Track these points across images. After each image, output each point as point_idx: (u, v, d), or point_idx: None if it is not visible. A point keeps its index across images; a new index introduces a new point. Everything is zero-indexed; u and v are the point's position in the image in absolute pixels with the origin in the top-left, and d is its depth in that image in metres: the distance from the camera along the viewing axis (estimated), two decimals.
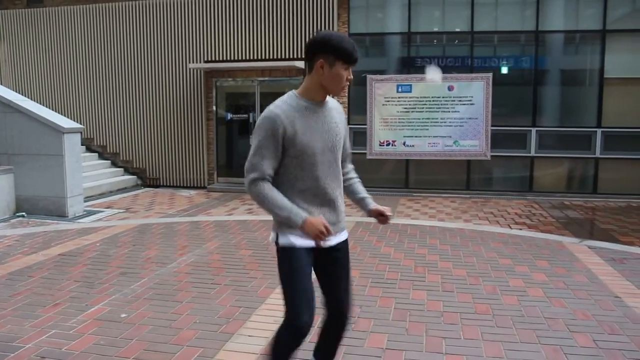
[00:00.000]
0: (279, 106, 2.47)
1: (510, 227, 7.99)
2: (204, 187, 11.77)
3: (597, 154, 10.65)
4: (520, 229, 7.88)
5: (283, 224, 2.53)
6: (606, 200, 10.51)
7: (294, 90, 2.58)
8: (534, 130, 10.72)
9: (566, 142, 10.86)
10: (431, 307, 4.46)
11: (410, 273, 5.46)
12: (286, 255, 2.58)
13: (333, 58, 2.42)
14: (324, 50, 2.43)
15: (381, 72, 11.08)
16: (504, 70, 10.97)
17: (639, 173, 10.82)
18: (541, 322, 4.16)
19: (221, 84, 11.86)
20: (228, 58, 11.41)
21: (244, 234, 7.21)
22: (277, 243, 2.60)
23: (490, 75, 10.58)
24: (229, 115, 11.88)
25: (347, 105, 11.20)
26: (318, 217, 2.50)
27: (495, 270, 5.55)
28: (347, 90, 11.09)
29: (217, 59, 11.47)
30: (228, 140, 12.14)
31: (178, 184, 11.98)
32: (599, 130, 10.58)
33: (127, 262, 5.84)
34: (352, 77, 2.54)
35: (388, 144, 10.96)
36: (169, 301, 4.56)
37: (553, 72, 11.12)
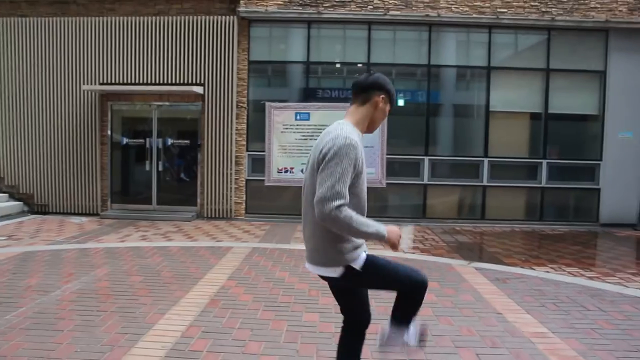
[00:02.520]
0: (353, 134, 2.62)
1: (404, 252, 8.26)
2: (97, 214, 11.27)
3: (485, 182, 11.30)
4: (414, 253, 8.17)
5: (348, 251, 2.67)
6: (493, 226, 11.13)
7: (347, 121, 2.76)
8: (426, 159, 11.23)
9: (457, 171, 11.46)
10: (323, 329, 4.51)
11: (304, 296, 5.50)
12: (372, 264, 2.74)
13: (388, 98, 2.84)
14: (382, 89, 2.81)
15: (280, 100, 11.21)
16: (400, 101, 11.43)
17: (521, 200, 11.61)
18: (429, 340, 4.31)
19: (117, 108, 11.51)
20: (125, 81, 11.10)
21: (135, 261, 6.98)
22: (357, 270, 2.71)
23: None
24: (125, 140, 11.53)
25: (245, 132, 11.21)
26: (393, 226, 2.71)
27: (389, 292, 5.69)
28: (245, 117, 11.15)
29: (113, 81, 11.13)
30: (123, 166, 11.75)
31: (69, 211, 11.39)
32: (485, 160, 11.25)
33: (4, 291, 5.47)
34: None
35: (286, 171, 11.05)
36: (49, 330, 4.32)
37: (445, 105, 11.76)
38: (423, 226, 10.91)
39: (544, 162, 11.37)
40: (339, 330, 4.41)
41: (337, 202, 2.47)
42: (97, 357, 3.82)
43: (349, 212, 2.51)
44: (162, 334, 4.28)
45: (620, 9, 11.04)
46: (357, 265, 2.70)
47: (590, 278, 6.86)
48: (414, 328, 2.94)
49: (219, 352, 3.95)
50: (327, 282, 2.92)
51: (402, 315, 2.93)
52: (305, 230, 2.82)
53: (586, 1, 11.01)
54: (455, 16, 10.95)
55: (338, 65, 11.75)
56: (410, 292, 2.87)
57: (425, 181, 11.33)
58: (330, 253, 2.69)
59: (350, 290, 2.98)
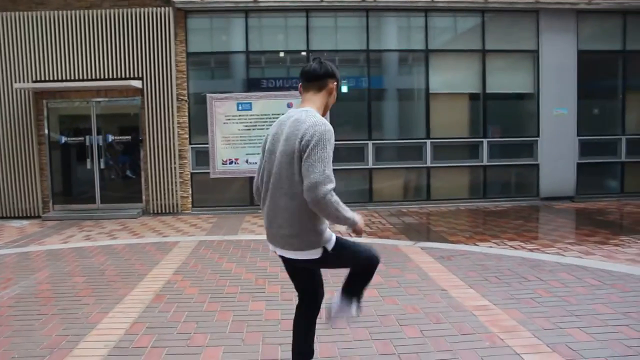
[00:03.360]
0: (326, 120, 2.80)
1: (350, 235, 8.32)
2: (38, 217, 10.91)
3: (428, 163, 11.50)
4: (360, 237, 8.23)
5: (324, 233, 2.81)
6: (439, 206, 11.35)
7: (310, 107, 2.88)
8: (370, 143, 11.34)
9: (400, 154, 11.62)
10: (269, 317, 4.53)
11: (250, 286, 5.50)
12: (340, 245, 2.88)
13: (337, 84, 3.01)
14: (334, 76, 2.98)
15: (222, 92, 11.09)
16: (342, 88, 11.49)
17: (464, 179, 11.88)
18: (374, 320, 4.40)
19: (54, 106, 11.12)
20: (59, 78, 10.72)
21: (79, 261, 6.81)
22: (330, 249, 2.84)
23: None
24: (64, 139, 11.18)
25: (187, 125, 11.05)
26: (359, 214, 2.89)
27: (333, 277, 5.74)
28: (186, 110, 11.00)
29: (47, 78, 10.74)
30: (64, 166, 11.38)
31: (7, 215, 10.96)
32: (428, 141, 11.44)
33: None
34: None
35: (231, 162, 10.96)
36: None
37: (386, 89, 11.88)
38: (370, 210, 11.03)
39: (485, 141, 11.65)
40: (285, 317, 4.47)
41: (330, 186, 2.61)
42: None
43: (336, 196, 2.66)
44: (105, 333, 4.21)
45: None
46: (330, 246, 2.83)
47: (531, 250, 7.11)
48: (357, 302, 3.13)
49: (164, 347, 3.91)
50: (292, 266, 3.03)
51: (354, 290, 3.11)
52: (276, 219, 2.84)
53: None
54: (392, 0, 11.04)
55: (281, 55, 11.68)
56: (365, 268, 3.04)
57: (370, 165, 11.44)
58: (311, 236, 2.78)
59: (316, 271, 3.12)
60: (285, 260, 2.97)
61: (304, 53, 11.37)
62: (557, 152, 11.73)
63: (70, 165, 11.47)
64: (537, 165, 11.83)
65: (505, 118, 11.97)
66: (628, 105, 12.23)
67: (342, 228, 3.32)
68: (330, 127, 2.74)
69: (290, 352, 3.22)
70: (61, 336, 4.16)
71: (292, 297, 5.03)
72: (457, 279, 5.64)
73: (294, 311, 4.56)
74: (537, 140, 11.77)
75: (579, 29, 11.69)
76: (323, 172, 2.61)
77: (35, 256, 7.24)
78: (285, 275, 5.69)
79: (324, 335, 4.04)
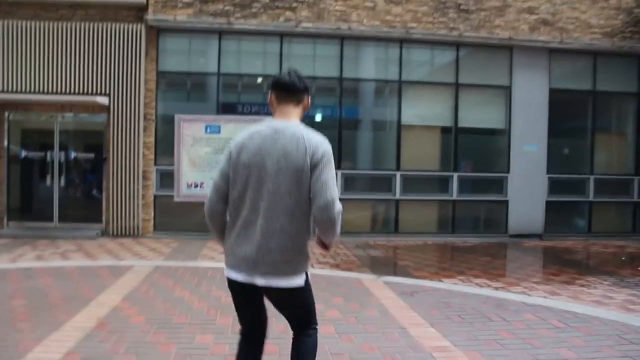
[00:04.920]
0: None
1: (313, 267, 8.08)
2: None
3: (397, 196, 11.35)
4: (322, 268, 8.00)
5: (308, 258, 2.75)
6: (406, 239, 11.17)
7: (298, 122, 2.77)
8: (339, 172, 11.15)
9: (370, 185, 11.47)
10: (216, 351, 4.24)
11: (201, 316, 5.21)
12: (309, 280, 2.76)
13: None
14: (308, 92, 2.87)
15: (191, 112, 10.84)
16: (313, 114, 11.36)
17: (433, 213, 11.76)
18: (327, 359, 4.14)
19: (15, 118, 10.75)
20: (23, 89, 10.36)
21: (23, 283, 6.42)
22: (307, 278, 2.74)
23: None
24: (24, 153, 10.78)
25: (153, 145, 10.76)
26: None
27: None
28: (153, 130, 10.73)
29: (10, 89, 10.36)
30: (22, 181, 10.96)
31: None
32: (398, 173, 11.31)
33: None
34: None
35: (196, 186, 10.65)
36: None
37: (358, 119, 11.80)
38: (336, 241, 10.77)
39: (455, 175, 11.57)
40: (233, 351, 4.17)
41: (340, 205, 2.58)
42: None
43: None
44: None
45: (522, 27, 11.46)
46: (308, 272, 2.76)
47: (496, 288, 6.94)
48: None
49: None
50: (250, 296, 2.77)
51: None
52: (267, 242, 2.60)
53: (491, 19, 11.34)
54: (367, 29, 10.99)
55: (254, 79, 11.52)
56: (312, 324, 2.90)
57: (339, 196, 11.22)
58: (302, 261, 2.68)
59: (298, 299, 2.83)
60: (245, 290, 2.71)
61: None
62: (527, 189, 11.70)
63: (29, 181, 11.06)
64: (507, 201, 11.77)
65: (476, 153, 11.93)
66: (597, 145, 12.33)
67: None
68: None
69: None
70: None
71: None
72: (419, 316, 5.42)
73: None
74: (507, 177, 11.74)
75: (551, 67, 11.80)
76: (334, 191, 2.57)
77: None
78: None
79: None
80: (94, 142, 10.87)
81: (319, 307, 5.31)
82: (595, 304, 6.23)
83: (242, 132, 2.78)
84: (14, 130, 10.80)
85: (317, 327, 2.93)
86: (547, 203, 11.91)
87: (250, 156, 2.64)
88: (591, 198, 12.20)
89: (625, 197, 12.43)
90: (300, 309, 2.85)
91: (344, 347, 4.41)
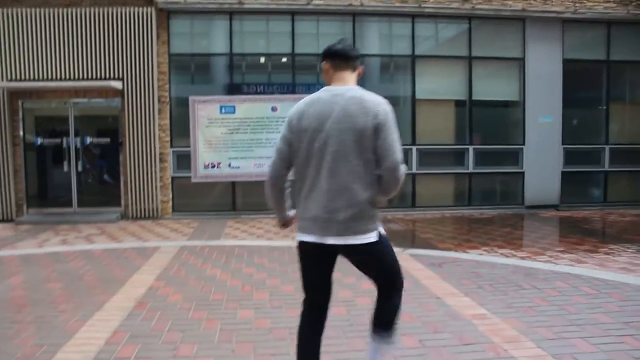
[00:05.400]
0: None
1: None
2: (11, 220, 10.50)
3: (414, 170, 11.33)
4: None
5: (377, 217, 2.78)
6: (424, 213, 11.20)
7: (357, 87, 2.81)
8: None
9: None
10: (259, 325, 4.29)
11: (237, 293, 5.26)
12: (382, 234, 2.81)
13: None
14: (360, 59, 2.93)
15: (204, 94, 10.83)
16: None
17: (449, 186, 11.77)
18: (366, 326, 4.18)
19: (29, 106, 10.74)
20: (36, 77, 10.36)
21: (54, 266, 6.49)
22: (381, 236, 2.79)
23: None
24: (40, 140, 10.79)
25: (168, 128, 10.75)
26: None
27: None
28: (168, 112, 10.72)
29: (23, 77, 10.36)
30: (39, 168, 10.98)
31: None
32: (414, 148, 11.30)
33: None
34: None
35: (213, 166, 10.70)
36: None
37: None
38: None
39: (470, 148, 11.56)
40: (275, 325, 4.24)
41: (404, 165, 2.73)
42: None
43: None
44: (84, 343, 3.93)
45: None
46: (381, 230, 2.81)
47: (522, 258, 6.98)
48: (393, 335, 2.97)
49: (148, 358, 3.66)
50: (323, 261, 2.85)
51: (388, 322, 2.94)
52: (333, 202, 2.66)
53: None
54: (379, 5, 10.90)
55: (264, 58, 11.48)
56: (397, 284, 2.93)
57: None
58: (370, 219, 2.70)
59: (376, 256, 2.87)
60: (316, 252, 2.77)
61: (284, 59, 11.20)
62: (542, 161, 11.69)
63: (46, 168, 11.08)
64: (522, 173, 11.77)
65: (491, 125, 11.90)
66: (611, 114, 12.28)
67: None
68: None
69: None
70: (36, 346, 3.87)
71: (281, 305, 4.83)
72: (451, 286, 5.47)
73: (283, 320, 4.40)
74: (522, 148, 11.72)
75: (564, 37, 11.70)
76: (400, 153, 2.68)
77: (8, 261, 6.90)
78: (274, 282, 5.57)
79: (325, 352, 3.82)
80: (109, 127, 10.86)
81: (352, 280, 5.43)
82: (624, 270, 6.27)
83: (301, 100, 2.83)
84: (28, 118, 10.80)
85: (402, 290, 2.99)
86: (563, 174, 11.91)
87: (311, 121, 2.68)
88: (606, 168, 12.19)
89: None
90: (380, 265, 2.88)
91: None
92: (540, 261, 6.77)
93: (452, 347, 3.85)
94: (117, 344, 3.90)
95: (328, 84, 2.85)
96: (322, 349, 3.52)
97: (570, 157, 11.96)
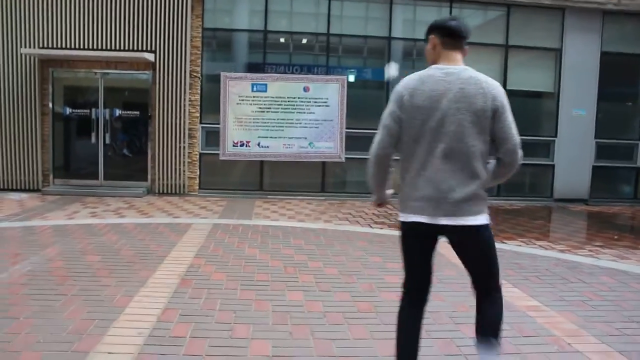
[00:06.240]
0: None
1: (371, 227, 8.01)
2: (38, 190, 10.44)
3: None
4: (382, 228, 7.93)
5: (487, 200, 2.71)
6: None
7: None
8: None
9: None
10: (311, 308, 4.20)
11: (281, 274, 5.17)
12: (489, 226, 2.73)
13: None
14: None
15: (236, 71, 10.69)
16: (360, 73, 11.17)
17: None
18: (426, 317, 4.05)
19: (59, 75, 10.63)
20: (67, 46, 10.22)
21: (89, 239, 6.43)
22: (487, 222, 2.70)
23: (345, 77, 10.69)
24: (68, 111, 10.69)
25: (199, 103, 10.62)
26: None
27: (368, 268, 5.45)
28: (199, 88, 10.59)
29: (54, 45, 10.23)
30: (67, 139, 10.89)
31: (5, 187, 10.45)
32: None
33: None
34: None
35: (242, 145, 10.59)
36: (2, 319, 3.78)
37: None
38: (387, 201, 10.68)
39: None
40: (328, 309, 4.14)
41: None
42: (65, 347, 3.36)
43: None
44: (135, 319, 3.85)
45: None
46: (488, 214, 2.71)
47: (562, 251, 6.85)
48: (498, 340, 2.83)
49: (204, 338, 3.57)
50: (429, 243, 2.76)
51: (494, 329, 2.84)
52: (446, 181, 2.58)
53: None
54: None
55: (300, 37, 11.26)
56: (497, 282, 2.84)
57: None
58: (481, 200, 2.64)
59: (485, 241, 2.75)
60: (426, 233, 2.68)
61: (322, 35, 10.99)
62: (574, 154, 11.48)
63: (74, 139, 11.01)
64: (553, 165, 11.58)
65: (524, 116, 11.59)
66: None
67: None
68: None
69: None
70: (87, 320, 3.80)
71: (329, 288, 4.73)
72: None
73: (335, 304, 4.30)
74: (554, 141, 11.51)
75: (603, 29, 11.43)
76: (518, 134, 2.65)
77: (41, 231, 6.85)
78: (316, 265, 5.48)
79: (377, 331, 3.74)
80: (138, 100, 10.75)
81: (394, 266, 5.31)
82: None
83: (409, 76, 2.72)
84: (57, 88, 10.68)
85: (501, 291, 2.86)
86: (594, 168, 11.71)
87: (425, 98, 2.59)
88: (638, 164, 11.96)
89: None
90: (484, 254, 2.76)
91: (438, 306, 4.35)
92: (581, 255, 6.63)
93: (514, 339, 3.75)
94: (169, 322, 3.82)
95: (433, 61, 2.75)
96: (381, 335, 3.41)
97: (602, 151, 11.74)
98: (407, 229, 2.72)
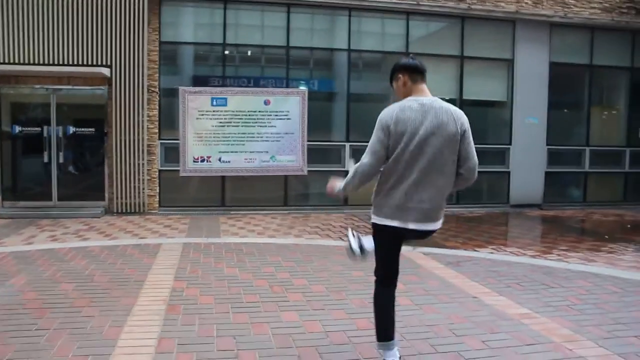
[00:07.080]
0: None
1: (343, 240, 7.99)
2: None
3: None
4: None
5: None
6: None
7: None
8: (347, 145, 11.03)
9: None
10: (311, 329, 4.11)
11: (269, 294, 5.05)
12: None
13: None
14: None
15: (195, 85, 10.50)
16: (319, 86, 11.18)
17: None
18: (426, 331, 4.09)
19: (7, 92, 10.13)
20: (16, 60, 9.75)
21: (57, 265, 6.09)
22: None
23: (306, 90, 10.67)
24: (17, 129, 10.21)
25: (157, 119, 10.37)
26: None
27: (353, 283, 5.42)
28: (157, 103, 10.35)
29: (1, 60, 9.73)
30: (16, 158, 10.37)
31: None
32: None
33: None
34: None
35: (203, 160, 10.39)
36: None
37: (364, 92, 11.65)
38: (347, 213, 10.73)
39: None
40: (330, 329, 4.08)
41: None
42: None
43: None
44: (132, 352, 3.63)
45: (527, 1, 11.51)
46: None
47: (533, 256, 7.05)
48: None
49: None
50: (400, 241, 3.33)
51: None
52: (419, 194, 3.10)
53: None
54: (376, 1, 10.80)
55: (259, 50, 11.18)
56: None
57: (346, 168, 11.09)
58: (443, 209, 3.24)
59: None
60: (396, 234, 3.21)
61: (281, 48, 10.95)
62: (528, 161, 11.86)
63: (24, 158, 10.49)
64: (509, 172, 11.91)
65: (480, 125, 11.94)
66: (592, 117, 12.59)
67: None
68: None
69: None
70: (80, 356, 3.54)
71: (322, 307, 4.66)
72: (481, 285, 5.44)
73: (333, 322, 4.23)
74: (509, 148, 11.85)
75: (551, 41, 11.90)
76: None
77: (1, 258, 6.47)
78: (301, 282, 5.44)
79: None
80: (94, 116, 10.35)
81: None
82: (635, 269, 6.38)
83: (389, 108, 3.18)
84: (5, 105, 10.16)
85: None
86: (546, 174, 12.13)
87: (406, 126, 3.07)
88: (586, 169, 12.49)
89: (617, 167, 12.77)
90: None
91: (434, 318, 4.37)
92: (551, 260, 6.84)
93: (517, 348, 3.80)
94: (169, 352, 3.63)
95: (404, 95, 3.25)
96: None
97: (553, 157, 12.19)
98: (383, 230, 3.21)
